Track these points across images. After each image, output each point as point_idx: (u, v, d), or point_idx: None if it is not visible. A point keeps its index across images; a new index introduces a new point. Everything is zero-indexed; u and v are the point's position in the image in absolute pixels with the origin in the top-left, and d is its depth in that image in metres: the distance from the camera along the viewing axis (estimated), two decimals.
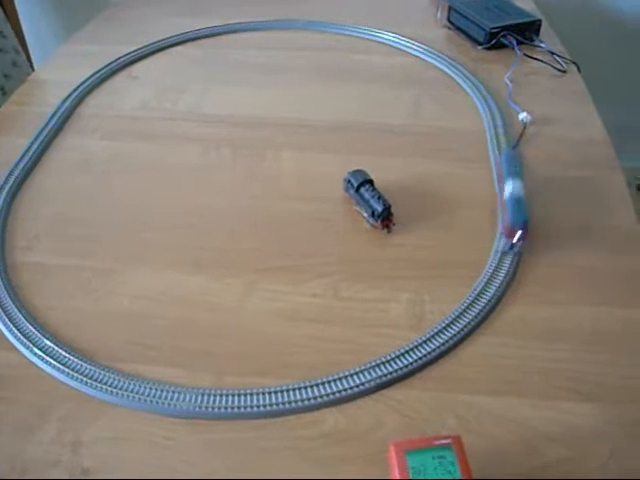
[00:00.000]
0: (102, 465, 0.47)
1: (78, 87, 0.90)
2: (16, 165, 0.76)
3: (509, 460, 0.47)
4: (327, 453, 0.48)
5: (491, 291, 0.58)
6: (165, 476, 0.47)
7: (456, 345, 0.54)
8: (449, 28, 1.02)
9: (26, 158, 0.77)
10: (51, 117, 0.84)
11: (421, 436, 0.48)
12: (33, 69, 1.25)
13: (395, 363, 0.52)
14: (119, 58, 0.96)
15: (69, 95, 0.88)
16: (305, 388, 0.51)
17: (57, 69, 0.97)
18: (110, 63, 0.95)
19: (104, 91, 0.91)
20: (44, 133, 0.81)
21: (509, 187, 0.65)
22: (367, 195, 0.65)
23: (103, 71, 0.93)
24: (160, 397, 0.51)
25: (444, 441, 0.44)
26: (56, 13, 1.57)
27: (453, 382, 0.52)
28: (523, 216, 0.62)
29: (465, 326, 0.55)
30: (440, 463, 0.43)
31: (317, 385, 0.51)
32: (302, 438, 0.48)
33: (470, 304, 0.57)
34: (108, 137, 0.81)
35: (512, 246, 0.62)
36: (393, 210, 0.65)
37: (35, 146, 0.79)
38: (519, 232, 0.61)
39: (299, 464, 0.47)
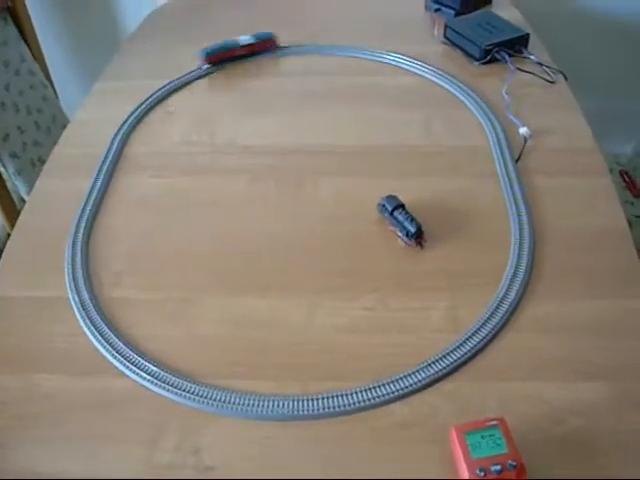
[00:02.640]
0: (221, 463, 0.59)
1: (121, 126, 0.99)
2: (84, 208, 0.86)
3: (538, 430, 0.60)
4: (398, 438, 0.60)
5: (512, 294, 0.71)
6: (270, 468, 0.59)
7: (488, 343, 0.67)
8: (446, 44, 1.12)
9: (91, 200, 0.87)
10: (104, 158, 0.94)
11: (470, 419, 0.60)
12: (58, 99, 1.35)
13: (442, 361, 0.65)
14: (152, 94, 1.06)
15: (115, 135, 0.98)
16: (374, 388, 0.63)
17: (95, 108, 1.06)
18: (145, 99, 1.05)
19: (145, 128, 1.01)
20: (101, 175, 0.91)
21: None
22: (401, 217, 0.77)
23: (140, 108, 1.03)
24: (258, 406, 0.63)
25: (492, 422, 0.58)
26: (72, 44, 1.67)
27: (490, 373, 0.65)
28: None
29: (494, 326, 0.68)
30: (491, 439, 0.56)
31: (383, 385, 0.64)
32: (378, 428, 0.61)
33: (496, 307, 0.70)
34: (158, 175, 0.91)
35: None
36: (423, 228, 0.77)
37: (97, 188, 0.89)
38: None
39: (377, 448, 0.60)
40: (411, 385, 0.63)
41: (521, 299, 0.71)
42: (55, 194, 0.90)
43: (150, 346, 0.70)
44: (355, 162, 0.91)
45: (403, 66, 1.10)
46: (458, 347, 0.66)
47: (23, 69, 1.27)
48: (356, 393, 0.63)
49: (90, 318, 0.72)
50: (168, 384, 0.66)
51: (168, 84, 1.08)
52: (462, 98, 1.00)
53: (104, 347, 0.69)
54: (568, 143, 0.91)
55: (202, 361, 0.68)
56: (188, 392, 0.65)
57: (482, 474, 0.54)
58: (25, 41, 1.30)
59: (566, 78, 1.02)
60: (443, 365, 0.65)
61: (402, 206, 0.78)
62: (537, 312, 0.70)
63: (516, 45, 1.06)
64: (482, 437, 0.57)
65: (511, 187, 0.84)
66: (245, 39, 1.11)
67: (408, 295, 0.72)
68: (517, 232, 0.78)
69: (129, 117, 1.01)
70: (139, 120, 1.02)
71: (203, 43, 1.20)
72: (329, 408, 0.62)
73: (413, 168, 0.89)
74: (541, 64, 1.04)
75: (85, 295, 0.74)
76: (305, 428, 0.62)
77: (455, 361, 0.65)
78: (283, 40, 1.18)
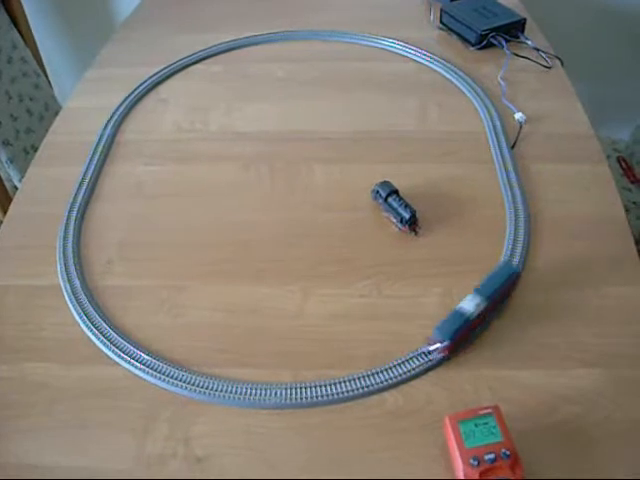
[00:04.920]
0: (212, 454, 0.59)
1: (114, 113, 0.98)
2: (75, 195, 0.85)
3: (533, 418, 0.60)
4: (392, 427, 0.60)
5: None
6: (261, 457, 0.58)
7: (483, 330, 0.67)
8: (442, 29, 1.11)
9: (83, 188, 0.86)
10: (96, 146, 0.93)
11: (464, 407, 0.60)
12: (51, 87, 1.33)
13: None
14: (145, 81, 1.05)
15: (107, 122, 0.97)
16: (368, 376, 0.63)
17: (88, 96, 1.05)
18: (137, 87, 1.04)
19: (137, 115, 1.00)
20: (94, 162, 0.90)
21: (466, 300, 0.66)
22: (395, 204, 0.76)
23: (132, 95, 1.02)
24: (249, 394, 0.63)
25: (486, 410, 0.57)
26: (65, 32, 1.65)
27: (484, 361, 0.64)
28: (448, 334, 0.62)
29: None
30: (485, 427, 0.56)
31: (377, 373, 0.63)
32: (370, 417, 0.61)
33: None
34: (151, 162, 0.91)
35: (429, 351, 0.64)
36: (417, 215, 0.76)
37: (89, 176, 0.88)
38: (437, 344, 0.63)
39: (369, 437, 0.59)
40: (405, 373, 0.63)
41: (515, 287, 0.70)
42: (47, 182, 0.89)
43: (142, 334, 0.69)
44: (349, 148, 0.90)
45: (398, 51, 1.08)
46: None
47: (15, 57, 1.25)
48: (349, 381, 0.63)
49: (82, 307, 0.72)
50: (160, 372, 0.65)
51: (160, 71, 1.07)
52: (458, 84, 0.99)
53: (96, 336, 0.69)
54: (565, 129, 0.90)
55: (194, 349, 0.67)
56: (180, 380, 0.64)
57: (476, 463, 0.54)
58: (17, 28, 1.29)
59: (563, 63, 1.01)
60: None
61: (396, 192, 0.77)
62: (531, 300, 0.69)
63: (512, 30, 1.05)
64: (476, 425, 0.56)
65: (506, 173, 0.83)
66: (473, 306, 0.65)
67: (402, 282, 0.72)
68: (512, 219, 0.77)
69: (121, 104, 1.00)
70: (131, 107, 1.01)
71: (197, 31, 1.19)
72: (322, 396, 0.62)
73: (408, 154, 0.89)
74: (537, 49, 1.03)
75: (77, 283, 0.74)
76: (298, 416, 0.61)
77: None
78: (277, 26, 1.17)
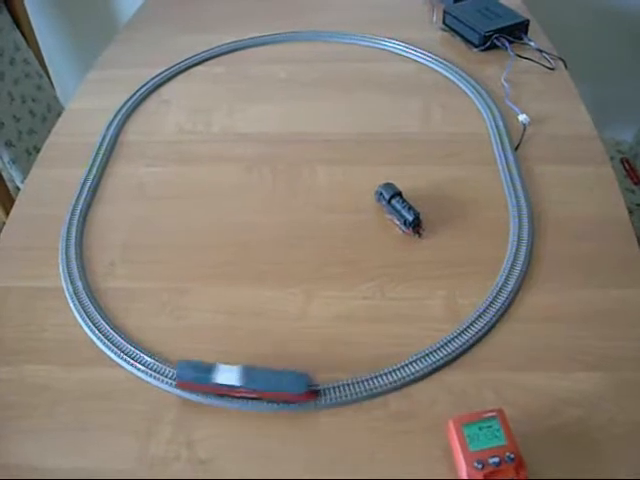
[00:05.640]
0: (215, 456, 0.59)
1: (116, 114, 0.98)
2: (78, 197, 0.85)
3: (535, 421, 0.60)
4: (394, 429, 0.60)
5: (511, 283, 0.70)
6: (264, 460, 0.58)
7: (487, 332, 0.66)
8: (445, 31, 1.11)
9: (85, 189, 0.86)
10: (99, 147, 0.92)
11: (467, 409, 0.59)
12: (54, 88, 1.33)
13: (440, 351, 0.64)
14: (147, 82, 1.05)
15: (110, 123, 0.97)
16: (371, 379, 0.62)
17: (90, 97, 1.05)
18: (140, 88, 1.03)
19: (140, 117, 0.99)
20: (96, 164, 0.90)
21: (232, 368, 0.62)
22: (398, 206, 0.76)
23: (135, 96, 1.02)
24: None
25: (490, 414, 0.57)
26: (67, 33, 1.66)
27: (488, 363, 0.64)
28: (180, 375, 0.62)
29: (493, 316, 0.67)
30: (489, 431, 0.56)
31: (380, 375, 0.63)
32: (373, 419, 0.60)
33: (495, 296, 0.69)
34: (154, 164, 0.90)
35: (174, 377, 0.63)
36: (421, 217, 0.76)
37: (91, 177, 0.88)
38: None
39: (372, 439, 0.59)
40: (408, 376, 0.63)
41: (520, 288, 0.70)
42: (50, 183, 0.88)
43: (144, 337, 0.69)
44: (352, 150, 0.90)
45: (401, 53, 1.08)
46: (456, 337, 0.65)
47: (18, 58, 1.25)
48: (352, 384, 0.62)
49: (84, 308, 0.71)
50: (163, 375, 0.65)
51: (163, 72, 1.07)
52: (461, 85, 0.99)
53: (98, 338, 0.68)
54: (568, 130, 0.90)
55: (197, 351, 0.67)
56: None
57: (480, 467, 0.53)
58: (19, 29, 1.29)
59: (566, 65, 1.01)
60: (441, 355, 0.64)
61: (399, 194, 0.77)
62: (536, 301, 0.69)
63: (516, 31, 1.05)
64: (480, 429, 0.56)
65: (510, 175, 0.83)
66: (225, 377, 0.61)
67: (406, 284, 0.72)
68: (516, 220, 0.77)
69: (124, 106, 1.00)
70: (134, 109, 1.01)
71: (199, 32, 1.19)
72: (325, 399, 0.61)
73: (411, 156, 0.88)
74: (541, 51, 1.03)
75: (79, 285, 0.74)
76: (301, 419, 0.61)
77: (453, 351, 0.64)
78: (278, 27, 1.17)
